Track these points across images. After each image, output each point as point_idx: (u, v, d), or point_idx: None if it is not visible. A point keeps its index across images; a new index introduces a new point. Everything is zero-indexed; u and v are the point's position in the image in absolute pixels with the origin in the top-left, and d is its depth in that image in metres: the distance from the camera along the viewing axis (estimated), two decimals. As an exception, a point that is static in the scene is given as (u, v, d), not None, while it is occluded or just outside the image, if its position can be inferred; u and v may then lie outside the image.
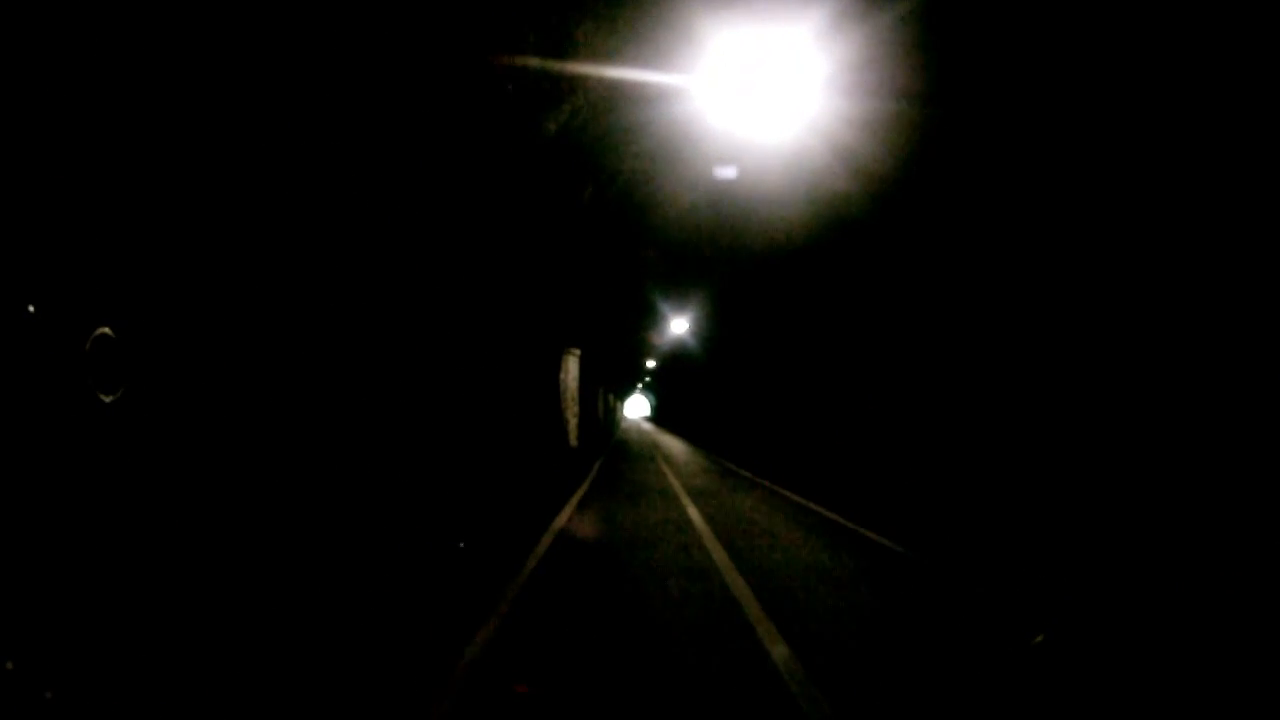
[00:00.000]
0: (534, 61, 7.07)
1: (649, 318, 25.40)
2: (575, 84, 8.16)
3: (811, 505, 8.50)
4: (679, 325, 27.48)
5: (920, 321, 9.65)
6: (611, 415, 49.17)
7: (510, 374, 11.97)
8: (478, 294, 10.18)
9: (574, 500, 8.87)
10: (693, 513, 7.80)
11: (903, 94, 7.32)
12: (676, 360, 35.77)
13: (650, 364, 44.37)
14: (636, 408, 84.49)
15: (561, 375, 16.40)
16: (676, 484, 10.86)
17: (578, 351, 17.16)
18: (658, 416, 62.98)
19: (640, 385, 63.98)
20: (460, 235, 8.79)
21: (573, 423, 16.63)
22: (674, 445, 23.39)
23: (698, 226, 15.99)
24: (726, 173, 13.60)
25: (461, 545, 5.92)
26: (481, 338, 10.02)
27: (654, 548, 5.79)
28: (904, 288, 10.61)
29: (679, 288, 22.53)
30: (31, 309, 2.10)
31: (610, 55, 7.88)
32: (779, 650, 3.25)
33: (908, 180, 10.34)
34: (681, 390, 40.14)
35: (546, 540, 6.11)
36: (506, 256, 11.77)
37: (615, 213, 15.39)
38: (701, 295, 22.79)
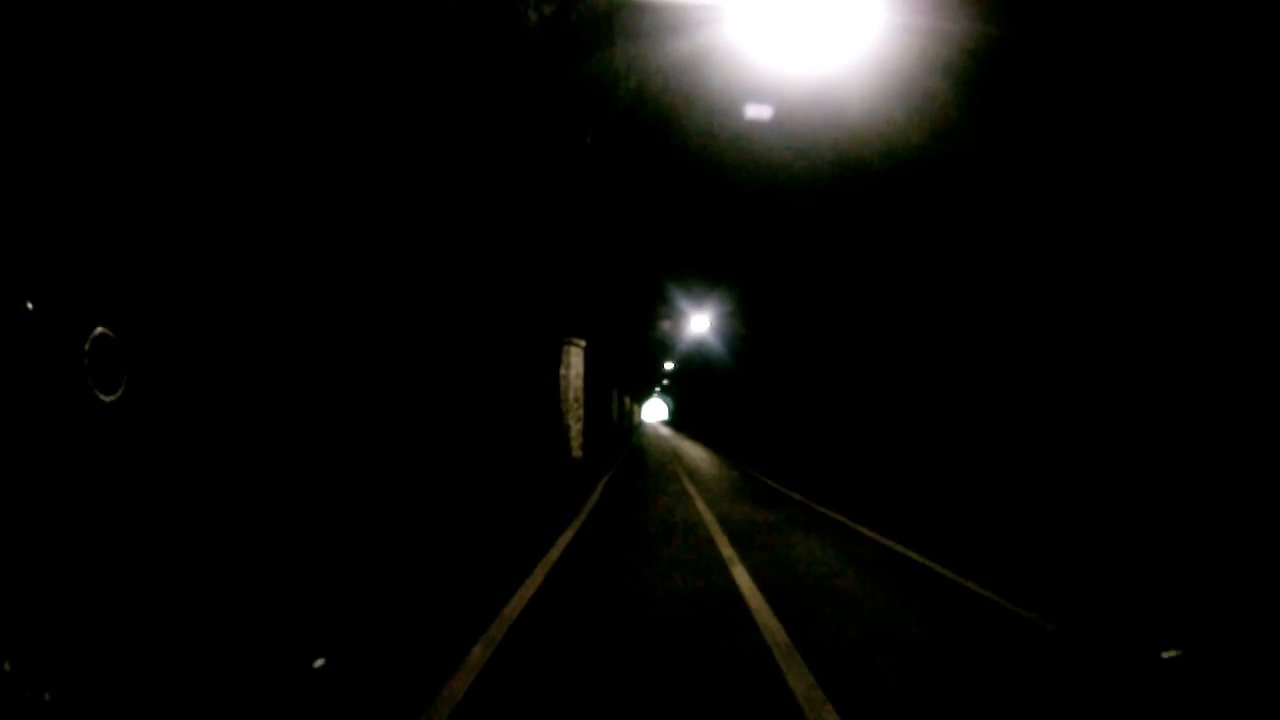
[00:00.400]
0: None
1: (666, 309, 22.65)
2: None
3: (907, 553, 5.58)
4: (699, 323, 24.87)
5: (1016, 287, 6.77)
6: (628, 419, 46.40)
7: (488, 367, 9.21)
8: (443, 261, 7.57)
9: (559, 546, 6.02)
10: (740, 575, 4.91)
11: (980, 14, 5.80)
12: (696, 361, 33.02)
13: (668, 366, 41.78)
14: (654, 411, 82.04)
15: (562, 370, 13.60)
16: (708, 515, 7.95)
17: (583, 343, 14.35)
18: (676, 421, 60.29)
19: (658, 388, 61.36)
20: (407, 174, 6.15)
21: (575, 428, 13.80)
22: (697, 455, 20.48)
23: (725, 182, 13.17)
24: (760, 113, 10.87)
25: (320, 664, 3.12)
26: (444, 318, 7.31)
27: (683, 684, 2.92)
28: (995, 251, 7.75)
29: (701, 273, 19.76)
30: (30, 306, 2.04)
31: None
32: None
33: (993, 124, 7.64)
34: (702, 393, 37.38)
35: (480, 652, 3.27)
36: (484, 215, 9.01)
37: (624, 167, 12.60)
38: (727, 284, 20.07)
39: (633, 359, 30.48)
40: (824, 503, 8.95)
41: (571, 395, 13.63)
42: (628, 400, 47.60)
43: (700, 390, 38.24)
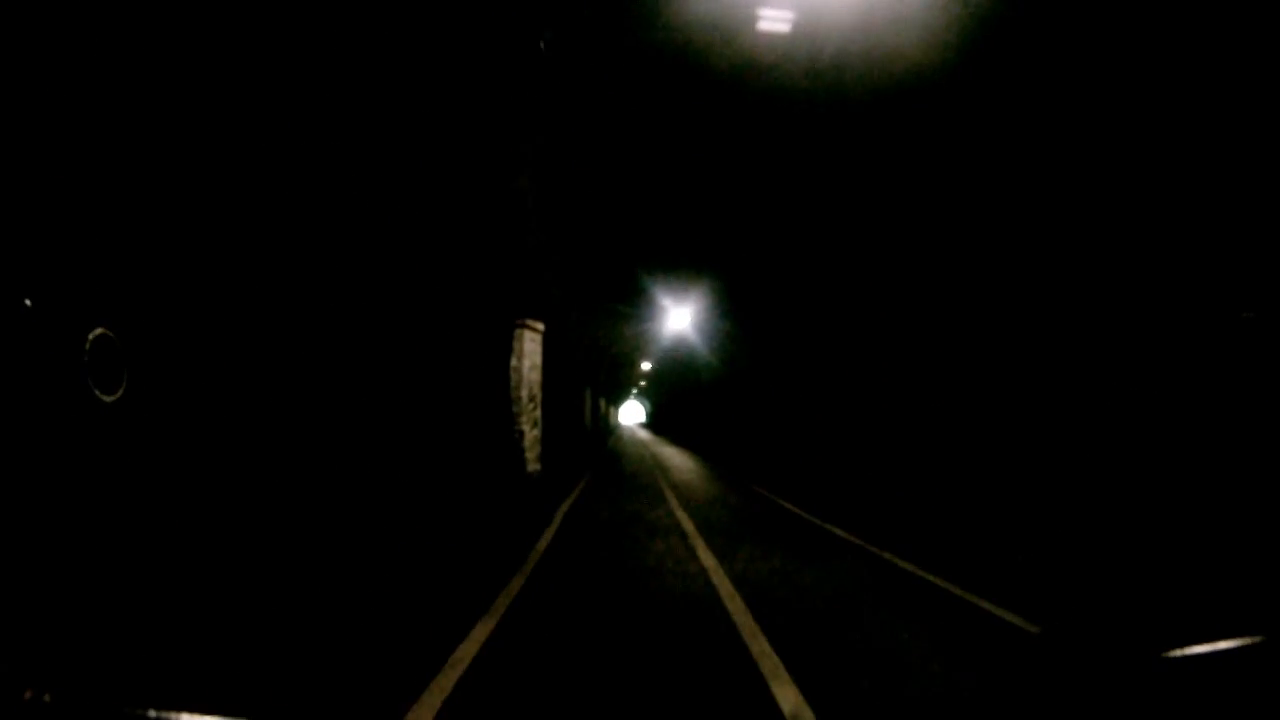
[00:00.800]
0: None
1: (643, 299, 19.74)
2: None
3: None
4: (679, 318, 22.18)
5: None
6: (604, 422, 43.34)
7: (400, 355, 6.18)
8: (338, 206, 4.82)
9: (450, 676, 2.98)
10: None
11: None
12: (677, 360, 30.25)
13: (645, 366, 39.02)
14: (631, 414, 79.52)
15: (513, 361, 10.53)
16: (722, 581, 4.94)
17: (540, 326, 11.29)
18: (654, 423, 57.41)
19: (635, 390, 58.42)
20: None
21: (531, 435, 10.73)
22: (683, 465, 17.52)
23: (724, 113, 10.33)
24: (776, 23, 8.51)
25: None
26: (333, 287, 4.52)
27: None
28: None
29: (682, 254, 16.89)
30: (28, 303, 2.03)
31: None
32: None
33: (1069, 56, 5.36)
34: (684, 395, 34.64)
35: None
36: (399, 143, 6.11)
37: (594, 82, 9.73)
38: (713, 271, 17.27)
39: (607, 356, 27.47)
40: (885, 543, 6.02)
41: (525, 393, 10.56)
42: (603, 403, 44.57)
43: (682, 391, 35.54)
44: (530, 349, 10.84)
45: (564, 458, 15.35)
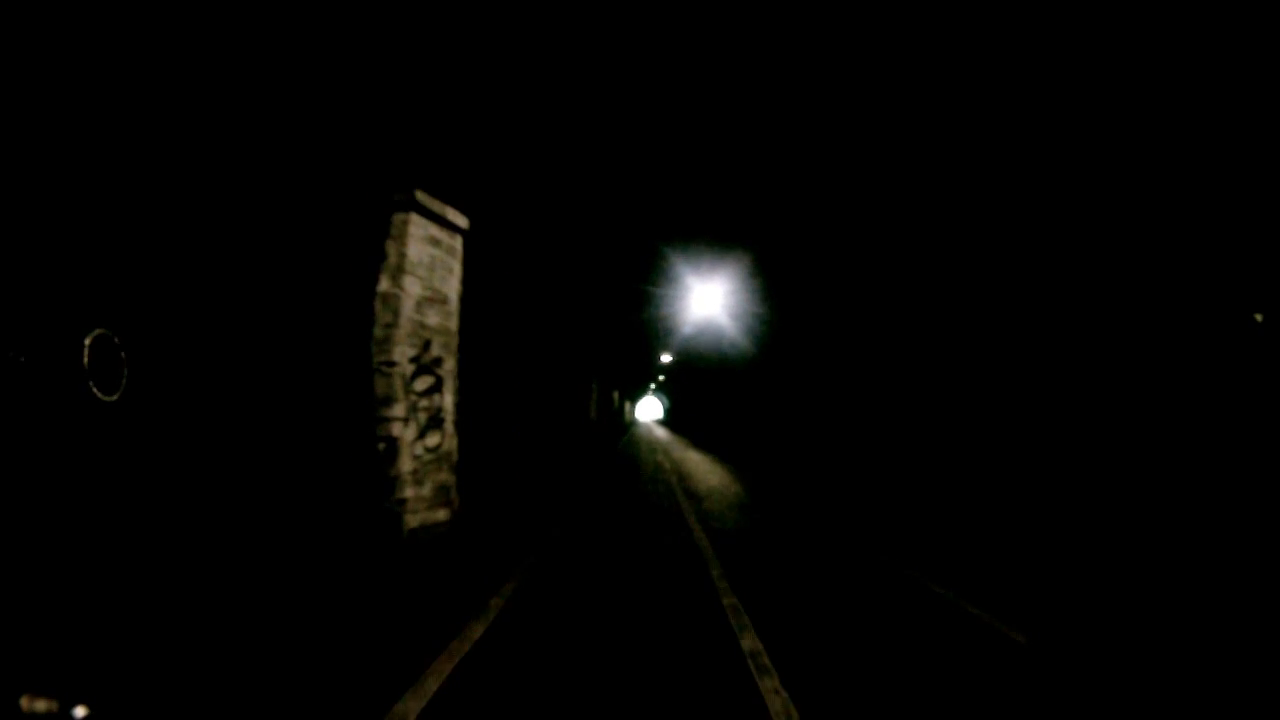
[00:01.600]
0: None
1: (665, 277, 14.25)
2: None
3: None
4: (706, 299, 17.02)
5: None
6: (620, 418, 37.73)
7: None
8: None
9: None
10: None
11: None
12: (699, 353, 24.87)
13: (665, 359, 33.63)
14: (648, 410, 74.18)
15: (383, 283, 4.76)
16: None
17: (462, 222, 5.58)
18: (672, 420, 51.93)
19: (652, 385, 52.93)
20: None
21: (420, 447, 4.93)
22: (724, 490, 11.67)
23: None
24: None
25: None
26: None
27: None
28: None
29: (711, 214, 11.34)
30: (22, 295, 2.06)
31: None
32: None
33: None
34: (709, 391, 29.10)
35: None
36: None
37: None
38: (751, 238, 11.99)
39: (622, 341, 21.73)
40: None
41: (404, 352, 4.85)
42: (616, 396, 38.98)
43: (706, 388, 29.98)
44: (425, 257, 5.09)
45: (531, 477, 9.71)
